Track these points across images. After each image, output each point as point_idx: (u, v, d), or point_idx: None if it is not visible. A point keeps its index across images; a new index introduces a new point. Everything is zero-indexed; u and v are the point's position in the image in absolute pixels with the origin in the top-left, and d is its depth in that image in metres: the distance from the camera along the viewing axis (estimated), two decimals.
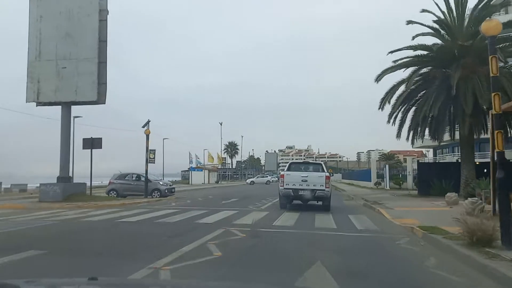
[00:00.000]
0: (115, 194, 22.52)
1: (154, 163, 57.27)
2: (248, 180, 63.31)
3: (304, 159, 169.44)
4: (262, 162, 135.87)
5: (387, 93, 23.07)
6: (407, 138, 23.17)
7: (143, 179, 22.55)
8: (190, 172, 68.98)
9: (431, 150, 62.66)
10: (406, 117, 23.15)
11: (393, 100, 22.60)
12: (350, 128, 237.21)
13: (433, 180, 22.68)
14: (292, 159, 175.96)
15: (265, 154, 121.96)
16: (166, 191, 22.77)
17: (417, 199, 20.22)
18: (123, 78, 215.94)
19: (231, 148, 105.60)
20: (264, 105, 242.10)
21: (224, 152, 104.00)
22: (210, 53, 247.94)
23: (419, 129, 22.31)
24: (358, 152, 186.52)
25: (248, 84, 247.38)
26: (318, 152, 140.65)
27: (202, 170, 70.52)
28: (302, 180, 14.54)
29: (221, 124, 79.62)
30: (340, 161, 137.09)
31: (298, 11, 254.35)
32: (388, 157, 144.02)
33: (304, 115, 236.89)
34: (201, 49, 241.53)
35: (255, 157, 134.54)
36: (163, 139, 47.57)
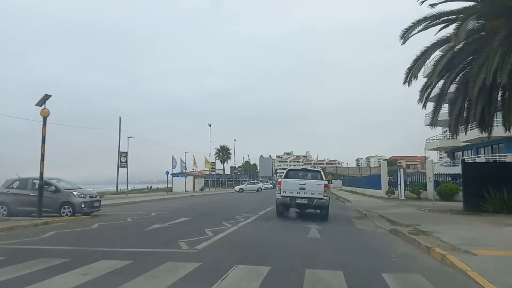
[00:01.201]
0: (4, 210, 14.73)
1: (126, 167, 49.46)
2: (237, 188, 55.44)
3: (302, 165, 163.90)
4: (259, 168, 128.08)
5: (416, 60, 15.48)
6: (450, 125, 15.49)
7: (53, 187, 14.84)
8: (171, 178, 61.26)
9: (435, 154, 55.37)
10: (446, 92, 15.53)
11: (427, 68, 15.05)
12: (348, 135, 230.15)
13: (487, 189, 14.96)
14: (290, 165, 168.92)
15: (259, 159, 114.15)
16: (83, 206, 14.89)
17: (474, 219, 12.49)
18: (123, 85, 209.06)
19: (223, 153, 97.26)
20: (261, 111, 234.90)
21: (216, 157, 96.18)
22: (207, 59, 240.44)
23: (469, 109, 14.62)
24: (357, 159, 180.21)
25: (246, 90, 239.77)
26: (317, 158, 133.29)
27: (186, 176, 62.74)
28: (300, 188, 13.77)
29: (209, 126, 71.75)
30: (339, 167, 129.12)
31: (296, 18, 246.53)
32: (390, 163, 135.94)
33: (302, 121, 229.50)
34: (200, 54, 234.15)
35: (251, 163, 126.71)
36: (128, 137, 39.31)
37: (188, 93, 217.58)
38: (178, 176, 62.49)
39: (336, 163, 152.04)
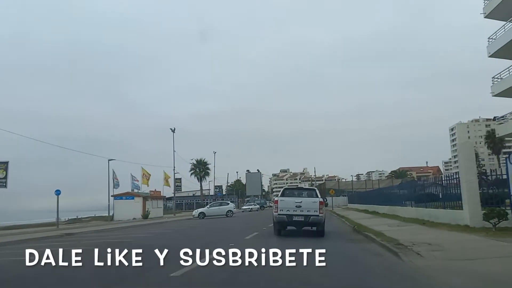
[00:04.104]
0: None
1: (5, 186, 31.29)
2: (196, 212, 37.47)
3: (299, 182, 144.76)
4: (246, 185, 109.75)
5: None
6: None
7: None
8: (113, 201, 43.59)
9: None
10: None
11: None
12: (347, 150, 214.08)
13: None
14: (287, 183, 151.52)
15: (245, 174, 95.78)
16: None
17: None
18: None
19: (200, 168, 78.82)
20: (255, 129, 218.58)
21: (191, 174, 78.23)
22: (202, 79, 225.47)
23: None
24: (357, 174, 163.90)
25: (241, 109, 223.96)
26: (315, 175, 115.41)
27: (133, 198, 45.01)
28: (296, 206, 14.30)
29: (173, 131, 54.13)
30: (342, 181, 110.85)
31: (292, 35, 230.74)
32: (399, 175, 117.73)
33: (298, 138, 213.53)
34: (196, 75, 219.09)
35: (244, 182, 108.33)
36: None
37: (178, 114, 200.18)
38: (121, 199, 44.91)
39: (336, 179, 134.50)
